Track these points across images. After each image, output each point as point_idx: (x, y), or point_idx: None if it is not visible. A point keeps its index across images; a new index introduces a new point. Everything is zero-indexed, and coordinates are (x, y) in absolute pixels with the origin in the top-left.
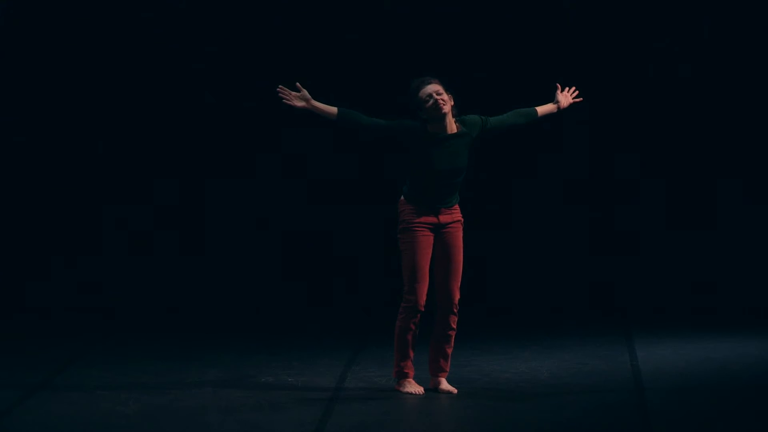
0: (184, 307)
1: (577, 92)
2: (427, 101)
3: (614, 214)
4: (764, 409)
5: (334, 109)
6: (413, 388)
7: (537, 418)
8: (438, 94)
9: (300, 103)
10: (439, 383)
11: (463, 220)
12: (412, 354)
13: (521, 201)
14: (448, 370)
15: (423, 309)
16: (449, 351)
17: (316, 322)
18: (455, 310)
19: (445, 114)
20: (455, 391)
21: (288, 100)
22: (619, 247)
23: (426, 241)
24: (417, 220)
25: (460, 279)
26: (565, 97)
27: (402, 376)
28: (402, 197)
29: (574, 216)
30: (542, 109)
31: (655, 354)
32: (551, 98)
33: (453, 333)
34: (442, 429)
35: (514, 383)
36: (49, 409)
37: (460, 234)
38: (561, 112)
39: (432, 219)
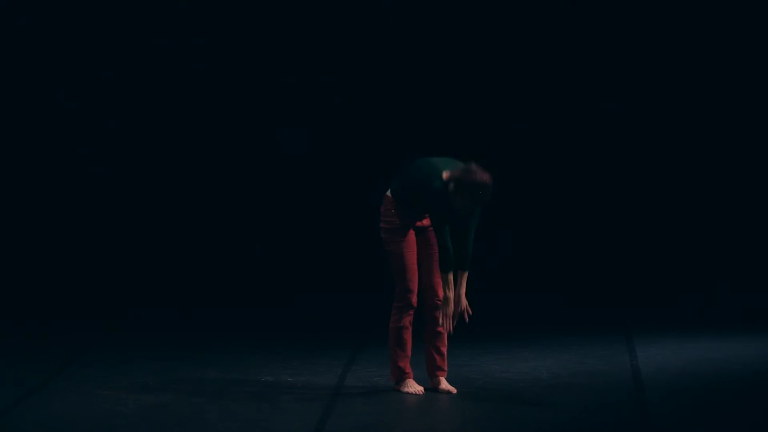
0: (184, 307)
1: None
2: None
3: (614, 213)
4: (764, 409)
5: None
6: (413, 387)
7: (537, 417)
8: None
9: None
10: (438, 383)
11: None
12: (410, 353)
13: (521, 200)
14: (446, 368)
15: (416, 305)
16: (444, 349)
17: (315, 322)
18: None
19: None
20: (455, 390)
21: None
22: (620, 245)
23: (412, 238)
24: (401, 221)
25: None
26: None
27: (402, 376)
28: (389, 194)
29: (574, 215)
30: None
31: (655, 354)
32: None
33: (444, 331)
34: (442, 429)
35: (514, 383)
36: (48, 408)
37: None
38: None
39: (416, 221)
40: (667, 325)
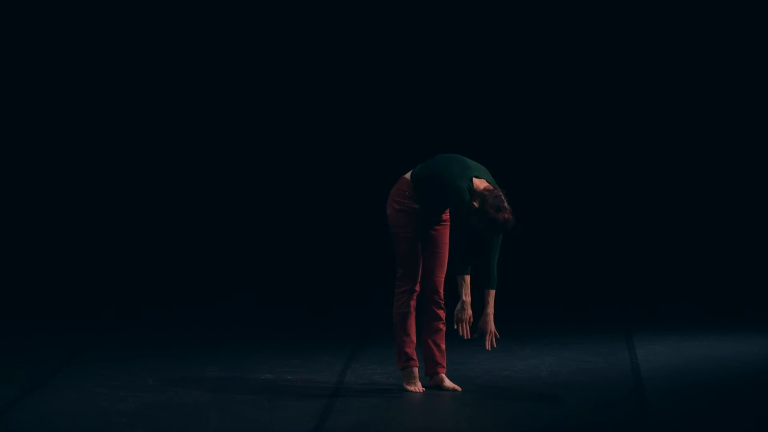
0: (183, 305)
1: (491, 341)
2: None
3: (613, 211)
4: (764, 407)
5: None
6: (414, 386)
7: (536, 415)
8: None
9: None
10: (441, 380)
11: None
12: (415, 339)
13: (521, 199)
14: (445, 365)
15: (419, 290)
16: (443, 346)
17: (315, 320)
18: (442, 304)
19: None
20: (459, 388)
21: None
22: (618, 243)
23: (423, 226)
24: (414, 207)
25: (445, 272)
26: (488, 328)
27: (408, 362)
28: (408, 177)
29: (573, 213)
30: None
31: (654, 352)
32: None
33: (444, 327)
34: (441, 426)
35: (513, 381)
36: (48, 406)
37: (447, 231)
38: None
39: (431, 214)
40: (667, 324)
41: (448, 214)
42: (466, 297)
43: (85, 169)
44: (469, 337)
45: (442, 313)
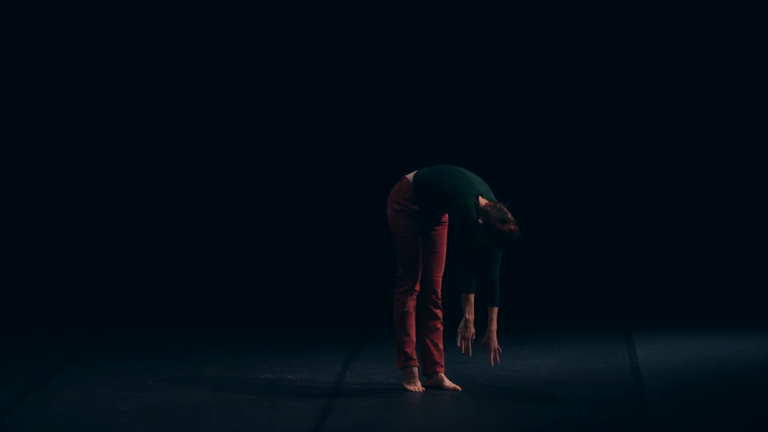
0: (182, 305)
1: (494, 357)
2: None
3: (613, 211)
4: (764, 407)
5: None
6: (414, 385)
7: (536, 415)
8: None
9: (472, 331)
10: (441, 380)
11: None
12: (415, 338)
13: (522, 198)
14: (443, 364)
15: (419, 290)
16: (441, 345)
17: (315, 320)
18: (440, 303)
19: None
20: (459, 388)
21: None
22: (618, 243)
23: (423, 226)
24: (413, 208)
25: (443, 272)
26: (491, 342)
27: (408, 362)
28: (410, 178)
29: (573, 213)
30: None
31: (654, 351)
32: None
33: (441, 327)
34: (441, 426)
35: (513, 380)
36: (48, 406)
37: (446, 231)
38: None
39: (431, 216)
40: (667, 324)
41: (447, 216)
42: (470, 315)
43: (86, 169)
44: (471, 355)
45: (439, 313)
